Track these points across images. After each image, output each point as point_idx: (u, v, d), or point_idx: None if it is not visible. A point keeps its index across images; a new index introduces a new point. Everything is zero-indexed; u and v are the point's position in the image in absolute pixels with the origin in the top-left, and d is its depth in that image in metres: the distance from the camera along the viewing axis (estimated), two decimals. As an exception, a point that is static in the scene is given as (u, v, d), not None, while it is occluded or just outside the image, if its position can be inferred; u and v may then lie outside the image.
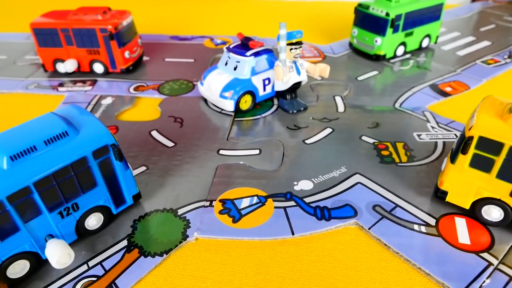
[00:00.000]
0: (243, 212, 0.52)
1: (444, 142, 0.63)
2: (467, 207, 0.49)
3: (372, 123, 0.69)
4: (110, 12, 0.84)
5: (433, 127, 0.67)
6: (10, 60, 0.96)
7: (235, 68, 0.73)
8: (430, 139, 0.64)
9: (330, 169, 0.58)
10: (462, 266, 0.44)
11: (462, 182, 0.48)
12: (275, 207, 0.52)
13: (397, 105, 0.74)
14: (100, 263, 0.46)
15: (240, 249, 0.48)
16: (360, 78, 0.84)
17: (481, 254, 0.45)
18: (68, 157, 0.43)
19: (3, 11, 1.35)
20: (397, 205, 0.52)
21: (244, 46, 0.74)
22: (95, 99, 0.78)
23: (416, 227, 0.49)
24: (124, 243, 0.48)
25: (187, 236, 0.49)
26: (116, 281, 0.44)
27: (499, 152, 0.44)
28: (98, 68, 0.86)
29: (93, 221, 0.49)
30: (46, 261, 0.46)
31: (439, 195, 0.51)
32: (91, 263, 0.46)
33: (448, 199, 0.50)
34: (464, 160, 0.46)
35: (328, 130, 0.67)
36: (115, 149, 0.47)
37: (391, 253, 0.46)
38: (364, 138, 0.65)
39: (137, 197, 0.53)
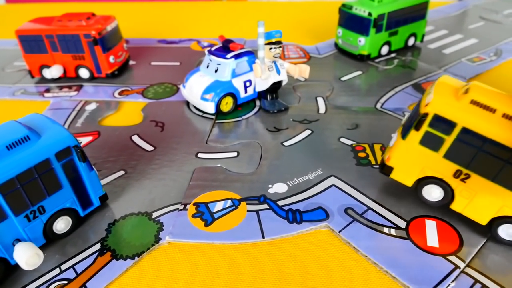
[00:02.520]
0: (216, 215, 0.52)
1: (421, 143, 0.63)
2: (410, 185, 0.49)
3: (352, 125, 0.69)
4: (94, 18, 0.85)
5: (411, 128, 0.67)
6: (-1, 66, 0.97)
7: (216, 71, 0.73)
8: (407, 139, 0.64)
9: (306, 171, 0.59)
10: (428, 269, 0.44)
11: (410, 159, 0.48)
12: (247, 211, 0.53)
13: (378, 105, 0.74)
14: (72, 266, 0.47)
15: (213, 249, 0.48)
16: (343, 79, 0.84)
17: (449, 257, 0.45)
18: (30, 160, 0.44)
19: (-3, 17, 1.37)
20: (369, 208, 0.52)
21: (225, 48, 0.74)
22: (80, 105, 0.79)
23: (386, 229, 0.49)
24: (98, 246, 0.49)
25: (160, 239, 0.49)
26: (86, 284, 0.45)
27: (450, 131, 0.44)
28: (84, 73, 0.87)
29: (61, 225, 0.49)
30: (17, 266, 0.46)
31: (383, 172, 0.50)
32: (63, 267, 0.47)
33: (392, 175, 0.50)
34: (415, 137, 0.46)
35: (308, 132, 0.68)
36: (77, 150, 0.48)
37: (360, 255, 0.47)
38: (342, 139, 0.65)
39: (103, 198, 0.54)
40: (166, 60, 0.97)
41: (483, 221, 0.46)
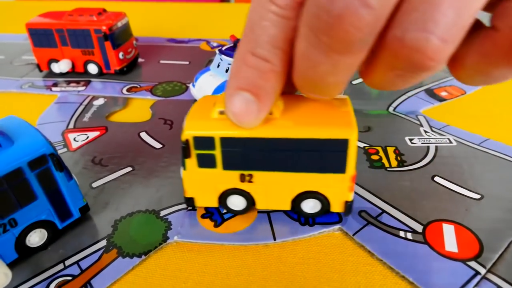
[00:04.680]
0: (225, 216, 0.51)
1: (436, 147, 0.61)
2: (216, 205, 0.50)
3: (364, 127, 0.68)
4: (105, 14, 0.84)
5: (426, 131, 0.65)
6: (7, 60, 0.97)
7: (227, 70, 0.72)
8: (422, 143, 0.63)
9: (318, 173, 0.57)
10: (447, 275, 0.42)
11: (200, 184, 0.49)
12: (258, 212, 0.51)
13: (390, 109, 0.73)
14: (76, 262, 0.45)
15: (222, 250, 0.47)
16: (354, 82, 0.83)
17: (469, 263, 0.44)
18: (0, 169, 0.40)
19: (3, 13, 1.36)
20: (383, 211, 0.50)
21: (236, 48, 0.73)
22: (87, 99, 0.78)
23: (402, 233, 0.47)
24: (103, 243, 0.47)
25: (168, 238, 0.48)
26: (91, 281, 0.43)
27: (213, 146, 0.45)
28: (92, 68, 0.86)
29: (36, 238, 0.46)
30: (19, 259, 0.45)
31: (190, 204, 0.51)
32: (67, 262, 0.45)
33: (197, 204, 0.50)
34: (192, 163, 0.47)
35: (319, 134, 0.66)
36: (54, 158, 0.44)
37: (375, 260, 0.45)
38: (355, 142, 0.64)
39: (84, 210, 0.50)
40: (175, 59, 0.96)
41: (286, 206, 0.49)
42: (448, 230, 0.47)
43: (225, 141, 0.44)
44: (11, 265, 0.43)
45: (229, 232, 0.49)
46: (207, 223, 0.50)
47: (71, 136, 0.68)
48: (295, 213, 0.50)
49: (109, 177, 0.58)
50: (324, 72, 0.34)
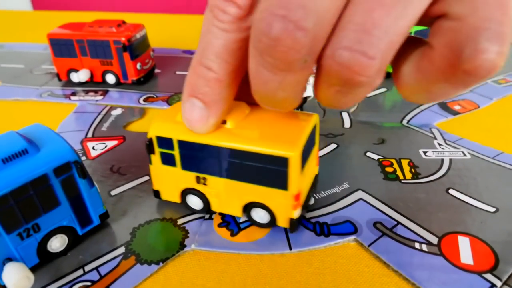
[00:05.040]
0: (242, 226, 0.52)
1: (450, 160, 0.62)
2: (178, 201, 0.53)
3: (378, 139, 0.68)
4: (124, 25, 0.87)
5: (440, 144, 0.66)
6: (27, 69, 0.99)
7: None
8: (436, 156, 0.63)
9: (333, 184, 0.58)
10: (463, 287, 0.42)
11: (164, 180, 0.53)
12: (274, 221, 0.52)
13: (404, 121, 0.74)
14: (96, 268, 0.46)
15: (239, 259, 0.48)
16: (368, 95, 0.84)
17: (484, 275, 0.44)
18: (27, 175, 0.41)
19: (22, 22, 1.40)
20: (398, 223, 0.51)
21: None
22: (105, 109, 0.80)
23: (417, 245, 0.48)
24: (122, 250, 0.48)
25: (185, 246, 0.49)
26: (110, 287, 0.44)
27: (172, 146, 0.49)
28: (110, 78, 0.88)
29: (57, 243, 0.47)
30: (40, 264, 0.46)
31: (156, 196, 0.55)
32: (87, 268, 0.46)
33: (162, 197, 0.54)
34: (156, 159, 0.51)
35: (333, 146, 0.67)
36: (78, 166, 0.45)
37: (391, 271, 0.45)
38: (368, 154, 0.64)
39: (104, 217, 0.51)
40: (190, 69, 0.97)
41: (238, 213, 0.51)
42: (464, 243, 0.48)
43: (181, 143, 0.48)
44: (32, 270, 0.44)
45: (245, 242, 0.49)
46: (224, 232, 0.50)
47: (90, 144, 0.69)
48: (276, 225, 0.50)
49: (127, 185, 0.59)
50: (274, 88, 0.37)
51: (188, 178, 0.51)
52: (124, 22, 0.87)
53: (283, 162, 0.44)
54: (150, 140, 0.50)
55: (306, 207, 0.53)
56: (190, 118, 0.45)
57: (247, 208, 0.50)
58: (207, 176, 0.49)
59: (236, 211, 0.51)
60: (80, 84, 0.89)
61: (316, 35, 0.31)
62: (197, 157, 0.48)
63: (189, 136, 0.47)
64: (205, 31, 0.41)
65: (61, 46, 0.85)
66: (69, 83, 0.90)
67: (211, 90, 0.42)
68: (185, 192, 0.52)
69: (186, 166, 0.50)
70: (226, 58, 0.40)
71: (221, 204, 0.51)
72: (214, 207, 0.52)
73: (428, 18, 0.33)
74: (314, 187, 0.55)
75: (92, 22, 0.86)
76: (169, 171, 0.51)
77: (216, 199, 0.51)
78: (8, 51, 1.13)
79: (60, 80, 0.90)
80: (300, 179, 0.45)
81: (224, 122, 0.46)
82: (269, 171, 0.45)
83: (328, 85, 0.36)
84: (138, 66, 0.86)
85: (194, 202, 0.52)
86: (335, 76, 0.33)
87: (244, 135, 0.46)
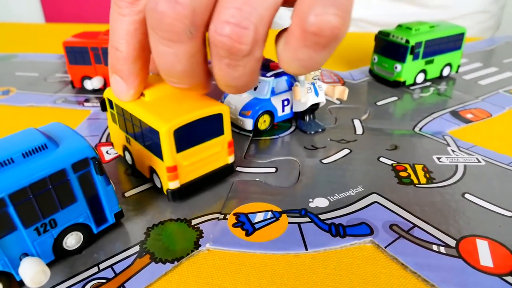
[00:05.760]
0: (256, 226, 0.51)
1: (465, 166, 0.61)
2: (122, 154, 0.64)
3: (391, 146, 0.68)
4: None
5: (453, 151, 0.66)
6: (41, 77, 1.01)
7: (255, 88, 0.74)
8: (450, 162, 0.63)
9: (347, 188, 0.58)
10: (484, 289, 0.42)
11: (113, 134, 0.64)
12: (289, 223, 0.52)
13: (416, 129, 0.74)
14: (111, 266, 0.46)
15: (254, 259, 0.47)
16: (379, 103, 0.84)
17: (505, 278, 0.43)
18: (46, 169, 0.42)
19: (37, 34, 1.43)
20: (415, 225, 0.50)
21: (264, 67, 0.76)
22: (118, 114, 0.80)
23: (435, 247, 0.47)
24: (136, 248, 0.48)
25: (199, 246, 0.48)
26: (125, 284, 0.44)
27: (113, 107, 0.60)
28: (123, 86, 0.89)
29: (72, 241, 0.46)
30: (54, 261, 0.46)
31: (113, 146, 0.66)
32: (101, 266, 0.46)
33: (115, 149, 0.66)
34: (108, 117, 0.63)
35: (346, 151, 0.67)
36: (95, 162, 0.45)
37: (409, 272, 0.45)
38: (382, 159, 0.64)
39: (119, 216, 0.51)
40: (202, 78, 0.98)
41: (146, 174, 0.59)
42: (482, 246, 0.47)
43: (117, 106, 0.58)
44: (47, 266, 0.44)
45: (260, 241, 0.49)
46: (239, 232, 0.50)
47: (103, 149, 0.70)
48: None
49: (140, 187, 0.59)
50: (171, 61, 0.45)
51: (123, 136, 0.61)
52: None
53: (157, 134, 0.51)
54: (103, 100, 0.61)
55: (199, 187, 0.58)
56: (113, 89, 0.55)
57: (151, 171, 0.57)
58: (129, 137, 0.59)
59: (145, 172, 0.59)
60: (93, 91, 0.90)
61: (194, 9, 0.40)
62: (124, 120, 0.58)
63: (118, 101, 0.57)
64: (111, 19, 0.50)
65: (75, 54, 0.87)
66: (83, 90, 0.91)
67: (122, 67, 0.52)
68: (124, 148, 0.62)
69: (120, 126, 0.60)
70: (128, 39, 0.49)
71: (138, 164, 0.60)
72: (136, 166, 0.61)
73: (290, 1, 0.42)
74: (225, 174, 0.60)
75: (107, 30, 0.88)
76: (115, 128, 0.62)
77: (136, 158, 0.60)
78: (22, 60, 1.15)
79: (73, 87, 0.91)
80: (174, 154, 0.52)
81: (143, 95, 0.55)
82: (153, 141, 0.53)
83: (218, 60, 0.44)
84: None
85: (128, 157, 0.62)
86: (221, 46, 0.41)
87: (147, 106, 0.54)
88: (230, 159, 0.59)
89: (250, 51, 0.42)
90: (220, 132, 0.56)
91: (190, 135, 0.53)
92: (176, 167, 0.53)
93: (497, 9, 1.42)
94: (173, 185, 0.54)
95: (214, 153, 0.57)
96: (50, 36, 1.39)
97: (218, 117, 0.55)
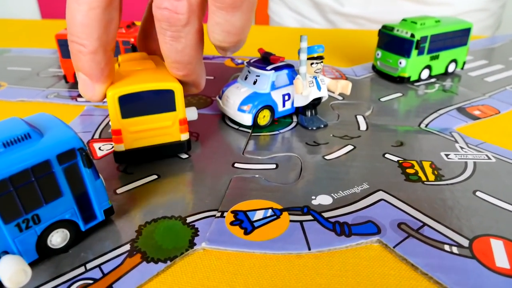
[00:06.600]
0: (256, 224, 0.48)
1: (474, 162, 0.58)
2: None
3: (396, 142, 0.65)
4: (134, 27, 0.85)
5: (462, 148, 0.63)
6: (34, 72, 0.98)
7: (254, 82, 0.71)
8: (459, 159, 0.60)
9: (351, 185, 0.55)
10: (501, 292, 0.39)
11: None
12: (290, 221, 0.48)
13: (422, 125, 0.71)
14: (98, 266, 0.43)
15: (253, 259, 0.44)
16: (383, 100, 0.81)
17: (523, 280, 0.40)
18: (28, 160, 0.39)
19: (32, 30, 1.40)
20: (424, 224, 0.47)
21: (264, 60, 0.73)
22: (112, 109, 0.77)
23: (447, 247, 0.44)
24: (127, 247, 0.45)
25: (195, 245, 0.45)
26: (113, 285, 0.40)
27: None
28: (118, 80, 0.86)
29: (57, 238, 0.43)
30: (38, 260, 0.43)
31: None
32: (89, 266, 0.43)
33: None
34: None
35: (349, 147, 0.64)
36: (83, 153, 0.42)
37: (420, 274, 0.42)
38: (387, 156, 0.61)
39: (109, 212, 0.47)
40: (200, 74, 0.96)
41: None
42: (497, 246, 0.44)
43: None
44: (30, 266, 0.40)
45: (260, 240, 0.46)
46: (237, 230, 0.47)
47: (96, 145, 0.66)
48: None
49: (134, 184, 0.56)
50: (178, 48, 0.50)
51: None
52: (133, 24, 0.86)
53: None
54: None
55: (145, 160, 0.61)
56: (80, 90, 0.53)
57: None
58: None
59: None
60: (87, 86, 0.87)
61: None
62: None
63: None
64: (66, 9, 0.48)
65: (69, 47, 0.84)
66: (76, 85, 0.88)
67: (86, 64, 0.50)
68: None
69: None
70: (88, 31, 0.47)
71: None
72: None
73: None
74: (176, 151, 0.61)
75: (102, 23, 0.85)
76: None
77: None
78: (16, 55, 1.11)
79: (67, 82, 0.88)
80: (120, 119, 0.55)
81: (119, 65, 0.58)
82: None
83: (163, 34, 0.48)
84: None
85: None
86: (162, 19, 0.47)
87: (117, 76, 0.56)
88: (183, 136, 0.60)
89: (187, 20, 0.47)
90: (171, 107, 0.57)
91: (138, 105, 0.55)
92: (121, 131, 0.56)
93: (497, 7, 1.40)
94: (118, 148, 0.57)
95: (164, 127, 0.58)
96: (46, 32, 1.36)
97: (170, 93, 0.56)
